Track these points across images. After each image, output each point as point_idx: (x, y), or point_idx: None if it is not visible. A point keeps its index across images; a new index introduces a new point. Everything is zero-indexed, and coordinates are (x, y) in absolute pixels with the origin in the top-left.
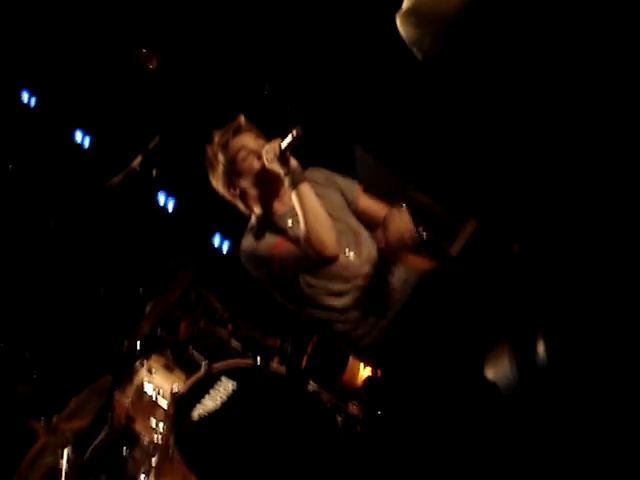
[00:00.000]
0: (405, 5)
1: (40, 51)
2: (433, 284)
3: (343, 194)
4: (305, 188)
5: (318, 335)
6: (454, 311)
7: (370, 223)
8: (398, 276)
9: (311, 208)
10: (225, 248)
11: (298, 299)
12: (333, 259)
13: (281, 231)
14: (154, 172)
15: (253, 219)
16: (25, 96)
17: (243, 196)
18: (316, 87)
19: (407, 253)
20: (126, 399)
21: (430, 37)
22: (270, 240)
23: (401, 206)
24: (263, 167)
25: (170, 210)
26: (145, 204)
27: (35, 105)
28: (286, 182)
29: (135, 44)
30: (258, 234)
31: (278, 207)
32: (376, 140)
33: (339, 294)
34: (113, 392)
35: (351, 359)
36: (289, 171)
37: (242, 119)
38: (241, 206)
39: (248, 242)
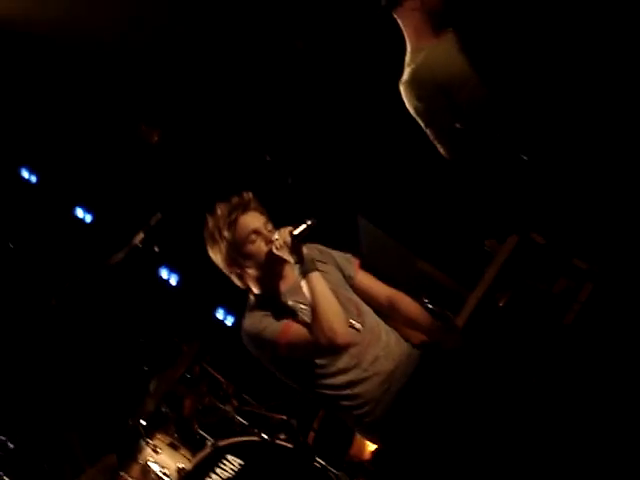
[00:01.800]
0: (405, 75)
1: (41, 129)
2: (438, 359)
3: (340, 269)
4: (316, 276)
5: (324, 410)
6: (458, 387)
7: (366, 298)
8: (402, 350)
9: (323, 296)
10: (229, 322)
11: (302, 378)
12: (343, 348)
13: (286, 313)
14: (156, 248)
15: (252, 298)
16: (25, 174)
17: (244, 275)
18: (318, 159)
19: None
20: (132, 478)
21: (432, 106)
22: (276, 323)
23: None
24: (271, 252)
25: (173, 285)
26: (148, 280)
27: (36, 182)
28: (296, 270)
29: (135, 120)
30: (261, 315)
31: (280, 287)
32: (379, 211)
33: (344, 371)
34: (118, 471)
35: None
36: (300, 260)
37: (250, 195)
38: (239, 283)
39: (252, 323)
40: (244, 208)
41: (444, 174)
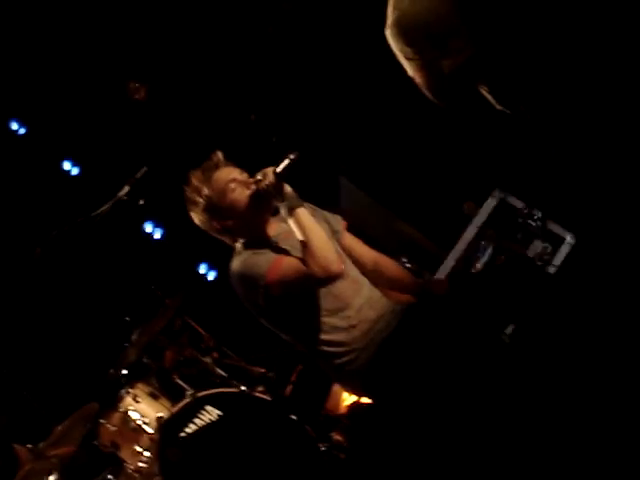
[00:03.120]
0: (390, 18)
1: (30, 82)
2: (418, 315)
3: (329, 224)
4: (302, 211)
5: (302, 364)
6: (438, 340)
7: (351, 260)
8: (385, 304)
9: (312, 228)
10: (211, 276)
11: (289, 322)
12: (338, 275)
13: (275, 251)
14: (141, 202)
15: (239, 245)
16: (14, 125)
17: (229, 228)
18: (302, 118)
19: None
20: (112, 426)
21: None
22: (266, 259)
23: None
24: (254, 195)
25: (157, 239)
26: (132, 233)
27: (24, 134)
28: (282, 208)
29: (123, 76)
30: (250, 253)
31: (266, 235)
32: (360, 172)
33: (330, 313)
34: (99, 419)
35: (334, 387)
36: (285, 197)
37: (219, 154)
38: (226, 238)
39: (241, 262)
40: (216, 166)
41: (424, 135)
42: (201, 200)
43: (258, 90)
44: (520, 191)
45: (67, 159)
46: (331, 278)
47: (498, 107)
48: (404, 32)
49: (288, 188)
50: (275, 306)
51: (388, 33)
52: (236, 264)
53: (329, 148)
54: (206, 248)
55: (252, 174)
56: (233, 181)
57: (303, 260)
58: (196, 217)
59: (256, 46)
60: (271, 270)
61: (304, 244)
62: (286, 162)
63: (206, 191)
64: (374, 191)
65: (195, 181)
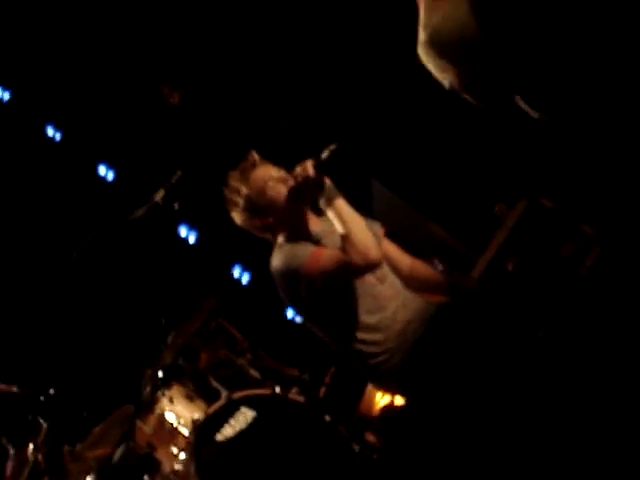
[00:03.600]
0: (422, 36)
1: (65, 87)
2: (451, 314)
3: (369, 227)
4: (341, 202)
5: (336, 365)
6: (472, 340)
7: (388, 264)
8: (419, 304)
9: (351, 218)
10: (245, 279)
11: (328, 319)
12: (378, 264)
13: (316, 243)
14: (176, 205)
15: (280, 239)
16: (50, 131)
17: (270, 225)
18: (334, 122)
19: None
20: (148, 427)
21: (453, 64)
22: (306, 250)
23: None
24: (293, 188)
25: (192, 242)
26: (167, 237)
27: (60, 139)
28: (321, 200)
29: (157, 80)
30: (290, 247)
31: (307, 230)
32: (392, 174)
33: (369, 312)
34: (135, 420)
35: (368, 389)
36: (324, 189)
37: (255, 154)
38: (268, 236)
39: (281, 256)
40: (253, 165)
41: (456, 139)
42: (241, 200)
43: (291, 93)
44: (552, 193)
45: (102, 164)
46: (370, 266)
47: (535, 115)
48: (438, 47)
49: (327, 180)
50: (316, 298)
51: (421, 50)
52: (277, 258)
53: (361, 150)
54: (240, 250)
55: (288, 172)
56: (271, 178)
57: (343, 251)
58: (237, 217)
59: (289, 50)
60: (311, 260)
61: (344, 237)
62: (326, 153)
63: (245, 190)
64: (406, 193)
65: (233, 182)
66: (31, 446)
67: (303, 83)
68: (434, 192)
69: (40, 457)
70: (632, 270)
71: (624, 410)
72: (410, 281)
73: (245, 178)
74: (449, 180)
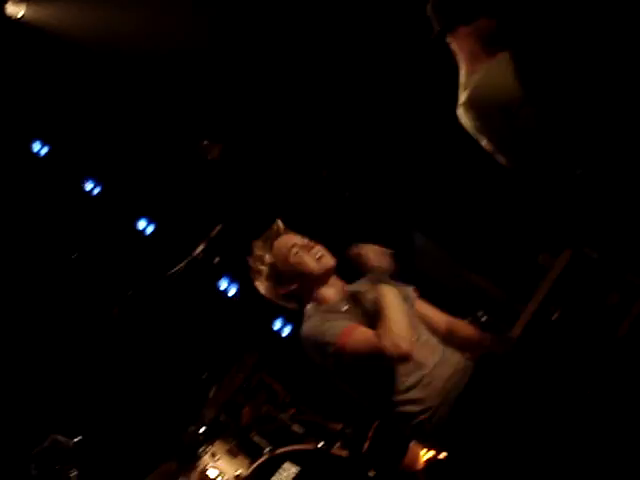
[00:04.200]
0: (462, 98)
1: (106, 142)
2: (492, 367)
3: (402, 292)
4: (389, 288)
5: (379, 419)
6: (515, 391)
7: (424, 324)
8: (457, 360)
9: (394, 307)
10: (286, 332)
11: (363, 385)
12: (407, 357)
13: (345, 318)
14: (216, 260)
15: (309, 307)
16: (89, 186)
17: (294, 292)
18: (374, 173)
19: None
20: None
21: (489, 127)
22: (338, 325)
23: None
24: (317, 260)
25: (232, 296)
26: (208, 291)
27: (99, 193)
28: (369, 277)
29: (197, 135)
30: (321, 319)
31: (332, 296)
32: (435, 225)
33: (406, 375)
34: (178, 476)
35: (412, 443)
36: (374, 269)
37: (280, 223)
38: (292, 304)
39: (313, 327)
40: (277, 233)
41: (498, 189)
42: (264, 268)
43: (329, 147)
44: (596, 242)
45: (142, 218)
46: (400, 358)
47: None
48: (477, 107)
49: (386, 263)
50: (345, 372)
51: (460, 111)
52: (307, 327)
53: (402, 202)
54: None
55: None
56: (294, 245)
57: (375, 332)
58: (261, 286)
59: (325, 103)
60: (341, 338)
61: (381, 321)
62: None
63: (269, 258)
64: (449, 244)
65: (257, 250)
66: None
67: (341, 138)
68: (479, 243)
69: None
70: None
71: None
72: (448, 338)
73: (269, 246)
74: (494, 231)
